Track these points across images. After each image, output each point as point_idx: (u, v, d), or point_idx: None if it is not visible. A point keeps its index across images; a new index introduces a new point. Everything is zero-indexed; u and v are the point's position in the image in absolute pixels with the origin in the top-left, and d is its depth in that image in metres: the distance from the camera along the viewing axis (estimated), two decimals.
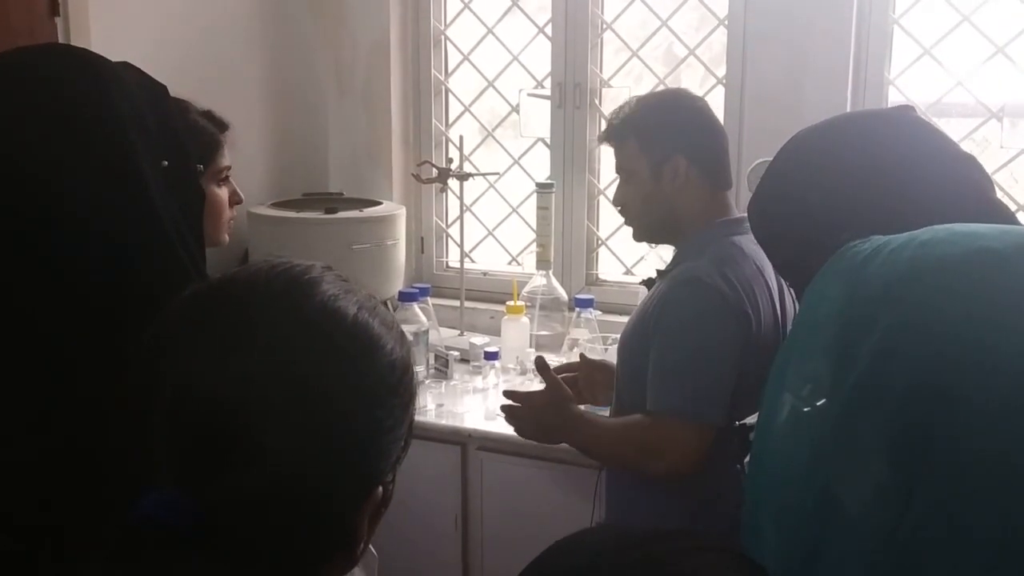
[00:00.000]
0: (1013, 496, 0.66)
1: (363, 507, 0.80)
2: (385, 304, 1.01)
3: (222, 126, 1.63)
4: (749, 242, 1.68)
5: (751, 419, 1.19)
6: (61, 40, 2.24)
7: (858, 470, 0.70)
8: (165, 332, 0.78)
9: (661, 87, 2.68)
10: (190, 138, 1.31)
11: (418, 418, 2.29)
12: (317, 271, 0.81)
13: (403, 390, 0.81)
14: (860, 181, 1.08)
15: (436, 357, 2.51)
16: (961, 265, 0.74)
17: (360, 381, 0.78)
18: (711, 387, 1.65)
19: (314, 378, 0.76)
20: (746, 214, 1.78)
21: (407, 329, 2.46)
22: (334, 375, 0.76)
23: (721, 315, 1.66)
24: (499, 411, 1.83)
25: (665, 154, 1.76)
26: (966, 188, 1.06)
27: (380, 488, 0.81)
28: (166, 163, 1.19)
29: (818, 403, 0.74)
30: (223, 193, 1.62)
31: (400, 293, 2.55)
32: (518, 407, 1.79)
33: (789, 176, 1.19)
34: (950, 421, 0.68)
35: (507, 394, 1.83)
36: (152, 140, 1.18)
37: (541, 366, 1.79)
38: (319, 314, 0.78)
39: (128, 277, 1.12)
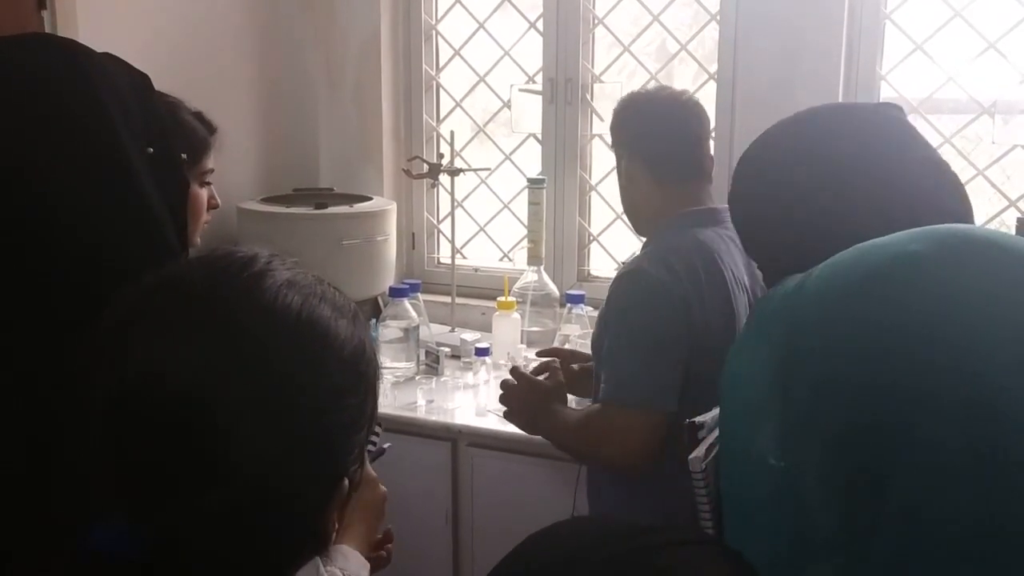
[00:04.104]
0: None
1: (330, 504, 0.78)
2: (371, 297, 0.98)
3: (211, 128, 1.62)
4: (710, 233, 1.74)
5: (701, 417, 1.18)
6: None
7: (813, 517, 0.69)
8: (107, 332, 0.75)
9: (653, 83, 2.68)
10: (178, 134, 1.31)
11: (409, 414, 2.30)
12: (261, 263, 0.77)
13: (361, 380, 0.79)
14: (843, 179, 1.04)
15: (427, 353, 2.50)
16: (880, 278, 0.72)
17: (315, 381, 0.75)
18: (652, 373, 1.66)
19: (270, 377, 0.72)
20: (716, 206, 1.79)
21: (397, 325, 2.46)
22: (289, 373, 0.73)
23: (659, 302, 1.67)
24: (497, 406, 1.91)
25: (621, 153, 1.87)
26: (945, 192, 1.05)
27: (346, 480, 0.79)
28: (151, 150, 1.19)
29: (784, 459, 0.72)
30: (204, 195, 1.60)
31: (391, 289, 2.54)
32: (506, 393, 1.87)
33: (767, 176, 1.14)
34: (894, 461, 0.65)
35: (503, 385, 1.89)
36: (136, 128, 1.18)
37: (515, 373, 1.87)
38: (263, 318, 0.74)
39: (115, 262, 1.12)
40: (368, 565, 1.17)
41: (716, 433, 1.14)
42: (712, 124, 2.54)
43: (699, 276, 1.70)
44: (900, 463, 0.65)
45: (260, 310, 0.74)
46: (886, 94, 2.43)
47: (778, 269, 0.91)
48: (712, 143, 1.95)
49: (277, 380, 0.73)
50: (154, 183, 1.18)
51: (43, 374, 1.06)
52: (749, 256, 1.28)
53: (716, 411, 1.15)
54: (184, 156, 1.31)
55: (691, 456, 1.13)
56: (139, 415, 0.71)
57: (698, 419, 1.19)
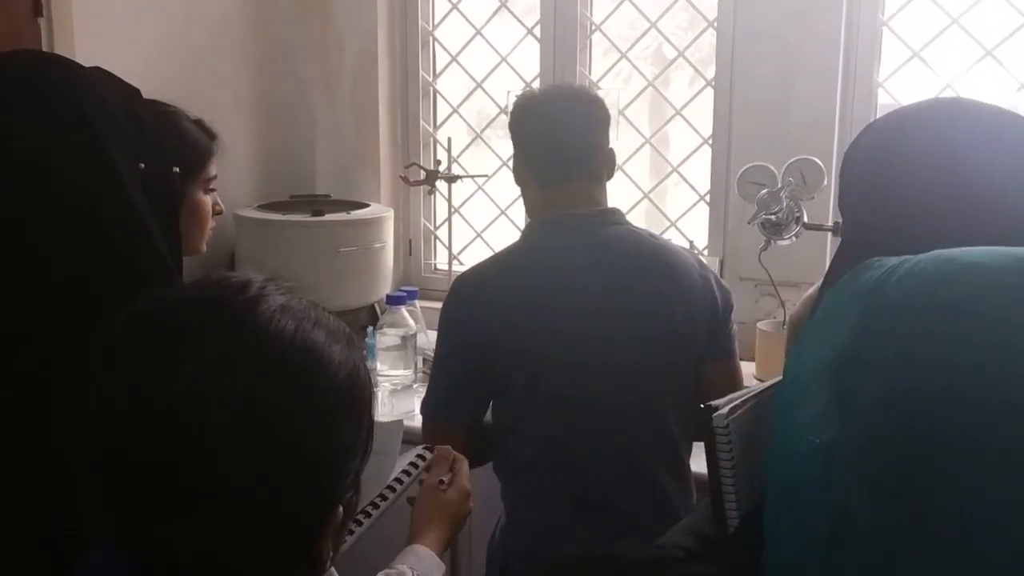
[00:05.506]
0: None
1: (324, 530, 0.78)
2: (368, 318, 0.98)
3: (211, 134, 1.61)
4: (551, 240, 1.68)
5: (716, 401, 1.18)
6: (44, 41, 2.22)
7: (862, 506, 0.69)
8: (100, 356, 0.75)
9: (650, 89, 2.68)
10: (171, 146, 1.30)
11: (407, 423, 2.29)
12: (255, 288, 0.77)
13: (355, 406, 0.78)
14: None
15: (424, 361, 2.49)
16: (977, 301, 0.71)
17: (309, 406, 0.74)
18: (436, 389, 1.75)
19: (264, 402, 0.72)
20: (582, 211, 1.70)
21: (395, 333, 2.45)
22: (283, 399, 0.73)
23: (452, 318, 1.72)
24: None
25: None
26: None
27: (340, 507, 0.79)
28: (142, 165, 1.19)
29: (824, 437, 0.72)
30: (208, 201, 1.60)
31: (388, 297, 2.53)
32: None
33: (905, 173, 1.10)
34: (949, 470, 0.66)
35: None
36: (127, 143, 1.18)
37: None
38: (257, 343, 0.74)
39: (106, 277, 1.11)
40: (443, 567, 1.20)
41: (741, 395, 1.17)
42: (709, 131, 2.56)
43: (507, 287, 1.66)
44: (943, 470, 0.65)
45: (254, 335, 0.74)
46: (883, 101, 2.43)
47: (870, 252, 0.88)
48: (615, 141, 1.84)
49: (271, 406, 0.72)
50: (145, 198, 1.18)
51: (36, 392, 1.05)
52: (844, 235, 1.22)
53: (730, 396, 1.18)
54: (176, 169, 1.30)
55: (715, 413, 1.14)
56: (131, 439, 0.71)
57: (713, 403, 1.20)
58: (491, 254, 1.80)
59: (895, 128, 1.13)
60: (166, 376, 0.71)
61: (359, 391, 0.79)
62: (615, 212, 1.73)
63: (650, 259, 1.67)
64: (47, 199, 1.11)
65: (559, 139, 1.71)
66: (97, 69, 1.24)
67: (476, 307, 1.67)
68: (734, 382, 1.73)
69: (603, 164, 1.74)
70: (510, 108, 2.70)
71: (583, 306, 1.63)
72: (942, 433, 0.66)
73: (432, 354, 2.47)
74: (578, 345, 1.62)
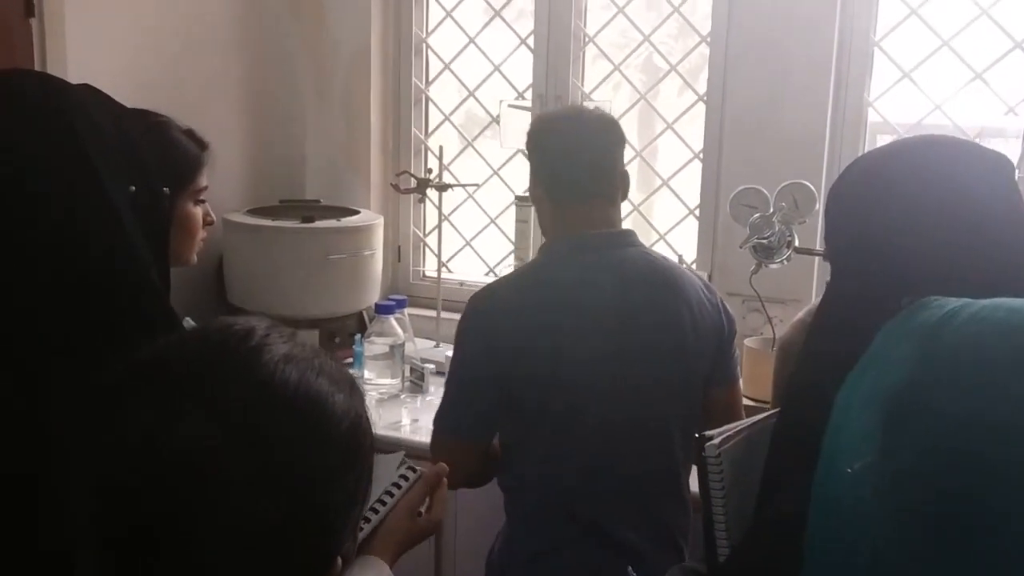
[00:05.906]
0: None
1: None
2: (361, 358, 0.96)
3: (202, 145, 1.60)
4: (567, 261, 1.68)
5: (711, 432, 1.21)
6: (36, 42, 2.21)
7: (900, 537, 0.70)
8: (98, 408, 0.74)
9: (642, 103, 2.69)
10: (161, 165, 1.29)
11: (392, 434, 2.28)
12: (258, 337, 0.76)
13: (357, 456, 0.78)
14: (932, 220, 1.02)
15: (411, 370, 2.50)
16: None
17: (312, 458, 0.74)
18: (452, 403, 1.72)
19: (266, 453, 0.72)
20: (595, 231, 1.71)
21: (383, 342, 2.46)
22: (285, 450, 0.73)
23: (470, 333, 1.70)
24: None
25: (531, 175, 1.81)
26: None
27: (339, 559, 0.78)
28: (133, 188, 1.19)
29: (861, 464, 0.73)
30: (198, 213, 1.59)
31: (377, 306, 2.53)
32: None
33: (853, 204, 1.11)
34: (988, 501, 0.67)
35: None
36: (117, 166, 1.17)
37: None
38: (260, 393, 0.73)
39: (96, 303, 1.11)
40: None
41: (734, 427, 1.21)
42: (699, 141, 2.57)
43: (527, 306, 1.66)
44: (982, 500, 0.67)
45: (257, 385, 0.74)
46: (873, 121, 2.45)
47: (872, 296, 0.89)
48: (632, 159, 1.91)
49: (273, 457, 0.72)
50: (135, 219, 1.17)
51: (26, 413, 1.05)
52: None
53: (724, 427, 1.22)
54: (167, 189, 1.30)
55: (707, 444, 1.17)
56: (129, 488, 0.70)
57: (707, 432, 1.22)
58: (506, 272, 1.82)
59: (880, 160, 1.15)
60: (171, 425, 0.71)
61: (361, 438, 0.79)
62: (630, 234, 1.76)
63: (663, 279, 1.71)
64: (39, 221, 1.10)
65: (579, 160, 1.73)
66: (86, 87, 1.23)
67: (492, 323, 1.67)
68: (736, 407, 1.78)
69: (619, 185, 1.77)
70: (501, 117, 2.72)
71: (597, 325, 1.65)
72: (983, 463, 0.67)
73: (420, 362, 2.49)
74: (591, 363, 1.64)
